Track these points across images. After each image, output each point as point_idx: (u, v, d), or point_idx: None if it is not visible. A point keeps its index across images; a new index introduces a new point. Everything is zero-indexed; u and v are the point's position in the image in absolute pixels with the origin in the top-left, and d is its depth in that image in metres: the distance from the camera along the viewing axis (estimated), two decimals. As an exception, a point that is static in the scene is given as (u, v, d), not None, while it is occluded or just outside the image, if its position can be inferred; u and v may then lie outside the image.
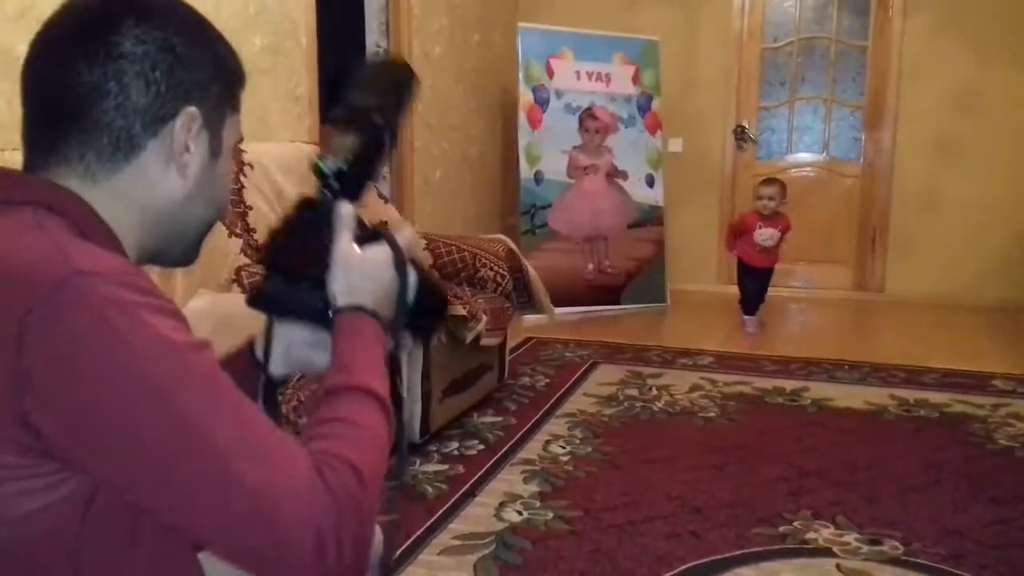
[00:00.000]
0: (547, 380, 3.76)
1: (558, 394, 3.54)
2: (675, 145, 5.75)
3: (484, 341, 3.11)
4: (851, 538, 2.37)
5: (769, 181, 4.72)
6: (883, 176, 5.61)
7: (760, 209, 4.66)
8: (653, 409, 3.41)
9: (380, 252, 0.98)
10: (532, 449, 2.96)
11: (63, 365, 0.70)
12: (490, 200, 5.62)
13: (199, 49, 0.87)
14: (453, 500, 2.57)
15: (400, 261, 0.98)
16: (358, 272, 0.95)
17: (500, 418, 3.26)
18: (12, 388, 0.70)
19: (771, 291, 4.88)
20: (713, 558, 2.25)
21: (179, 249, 0.93)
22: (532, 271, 3.56)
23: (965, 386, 3.73)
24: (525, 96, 5.15)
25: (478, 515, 2.45)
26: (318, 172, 0.98)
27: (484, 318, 3.09)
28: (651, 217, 5.37)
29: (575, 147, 5.25)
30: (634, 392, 3.62)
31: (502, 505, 2.51)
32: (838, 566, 2.23)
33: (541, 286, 3.58)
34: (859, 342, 4.56)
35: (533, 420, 3.22)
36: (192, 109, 0.86)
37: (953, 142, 5.41)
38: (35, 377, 0.70)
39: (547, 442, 3.02)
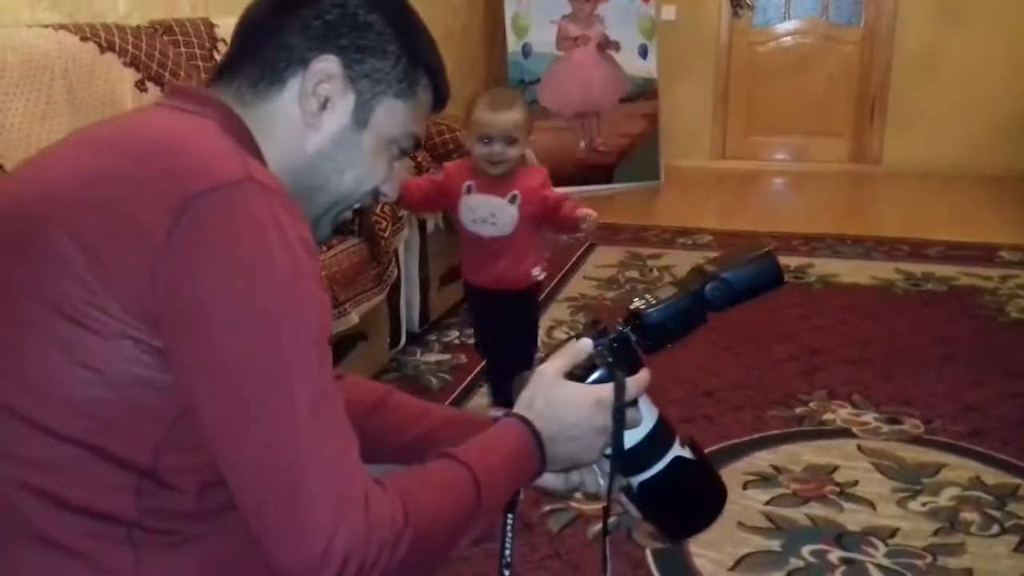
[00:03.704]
0: (545, 263, 3.63)
1: (557, 278, 3.42)
2: (668, 13, 5.45)
3: (481, 225, 2.98)
4: (870, 418, 2.32)
5: (493, 104, 2.06)
6: (883, 42, 5.39)
7: (483, 168, 2.10)
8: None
9: (598, 393, 0.93)
10: (535, 335, 2.86)
11: (205, 253, 0.71)
12: (475, 77, 5.36)
13: (381, 20, 0.89)
14: (458, 391, 2.49)
15: (620, 410, 0.92)
16: (558, 401, 0.93)
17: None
18: (158, 252, 0.71)
19: (761, 165, 4.68)
20: (730, 442, 2.19)
21: (304, 212, 0.86)
22: (528, 149, 3.38)
23: (971, 258, 3.65)
24: (510, -38, 4.83)
25: (484, 406, 2.37)
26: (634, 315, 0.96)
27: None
28: (644, 90, 5.15)
29: (564, 16, 4.96)
30: (635, 274, 3.51)
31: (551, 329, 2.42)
32: (859, 447, 2.18)
33: (537, 163, 3.41)
34: (860, 216, 4.45)
35: (534, 305, 3.11)
36: (333, 59, 0.86)
37: (956, 5, 5.17)
38: (177, 253, 0.71)
39: (550, 328, 2.92)
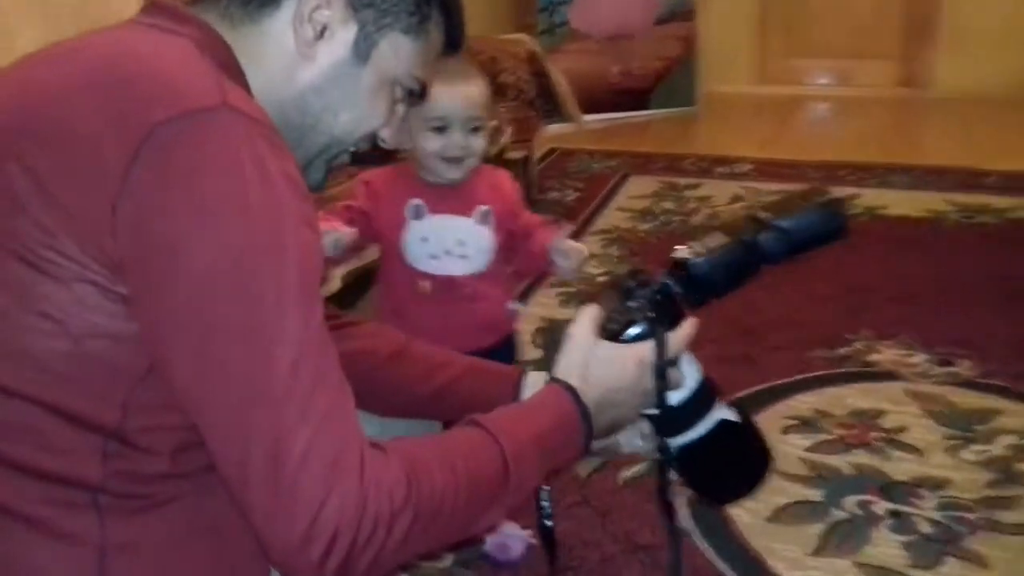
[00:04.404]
0: (577, 194, 3.50)
1: (589, 209, 3.29)
2: (707, -73, 5.16)
3: (509, 154, 2.85)
4: (919, 359, 2.19)
5: (444, 75, 1.34)
6: (938, -44, 5.07)
7: (434, 172, 1.47)
8: (692, 223, 3.16)
9: (639, 352, 0.85)
10: (566, 270, 2.76)
11: (170, 189, 0.64)
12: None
13: None
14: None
15: (662, 368, 0.85)
16: (598, 364, 0.85)
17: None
18: (117, 185, 0.64)
19: (803, 90, 4.45)
20: (770, 384, 2.09)
21: (293, 152, 0.78)
22: (557, 74, 3.23)
23: (1029, 189, 3.45)
24: None
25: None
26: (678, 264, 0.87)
27: (507, 130, 2.82)
28: (681, 10, 4.90)
29: (597, -68, 4.71)
30: (670, 205, 3.36)
31: (538, 331, 2.32)
32: (907, 390, 2.06)
33: (568, 90, 3.27)
34: (908, 144, 4.24)
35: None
36: None
37: (1020, -87, 4.82)
38: (139, 188, 0.64)
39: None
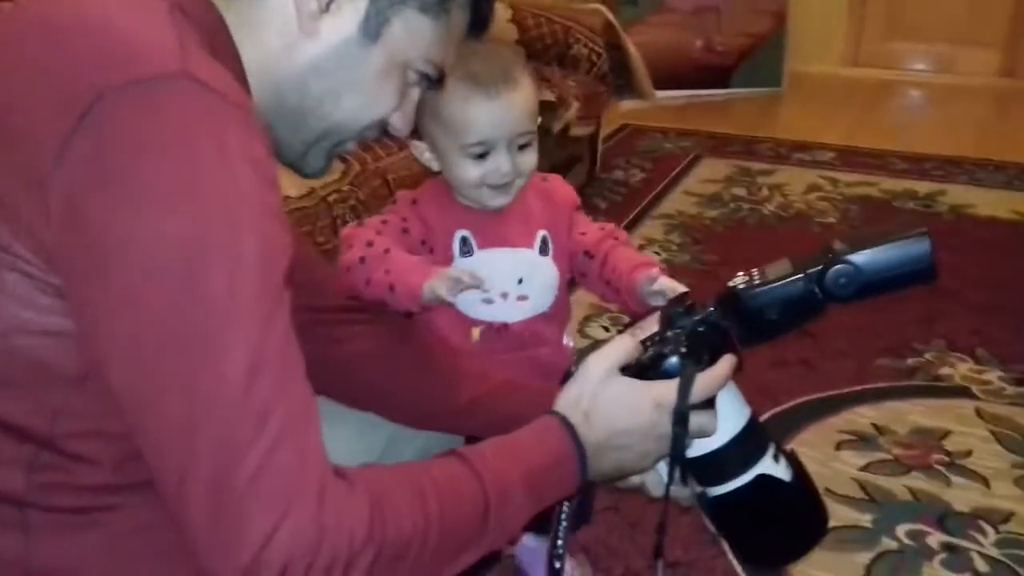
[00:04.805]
0: (643, 175, 3.37)
1: (655, 191, 3.17)
2: None
3: (574, 131, 2.75)
4: (993, 376, 2.04)
5: (486, 82, 1.06)
6: (1057, -63, 4.72)
7: (478, 200, 1.14)
8: (763, 212, 3.02)
9: (658, 392, 0.76)
10: (623, 255, 2.66)
11: (112, 168, 0.56)
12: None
13: None
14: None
15: (682, 412, 0.75)
16: (607, 401, 0.77)
17: (589, 217, 2.92)
18: (52, 159, 0.56)
19: (898, 75, 4.18)
20: (828, 393, 1.97)
21: (289, 137, 0.75)
22: (632, 48, 3.10)
23: None
24: None
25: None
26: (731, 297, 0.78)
27: (575, 104, 2.72)
28: (772, -15, 4.69)
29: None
30: (742, 191, 3.22)
31: (587, 319, 2.24)
32: (977, 411, 1.92)
33: (642, 66, 3.14)
34: (1006, 139, 3.97)
35: (626, 221, 2.87)
36: None
37: None
38: (76, 162, 0.56)
39: (640, 247, 2.70)
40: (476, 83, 1.04)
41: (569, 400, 0.78)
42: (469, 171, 1.08)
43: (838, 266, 0.75)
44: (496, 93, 1.04)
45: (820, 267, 0.76)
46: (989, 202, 3.11)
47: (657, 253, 2.65)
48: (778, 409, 1.87)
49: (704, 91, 4.58)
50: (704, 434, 0.78)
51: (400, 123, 0.79)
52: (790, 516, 0.83)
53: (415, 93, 0.79)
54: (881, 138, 3.92)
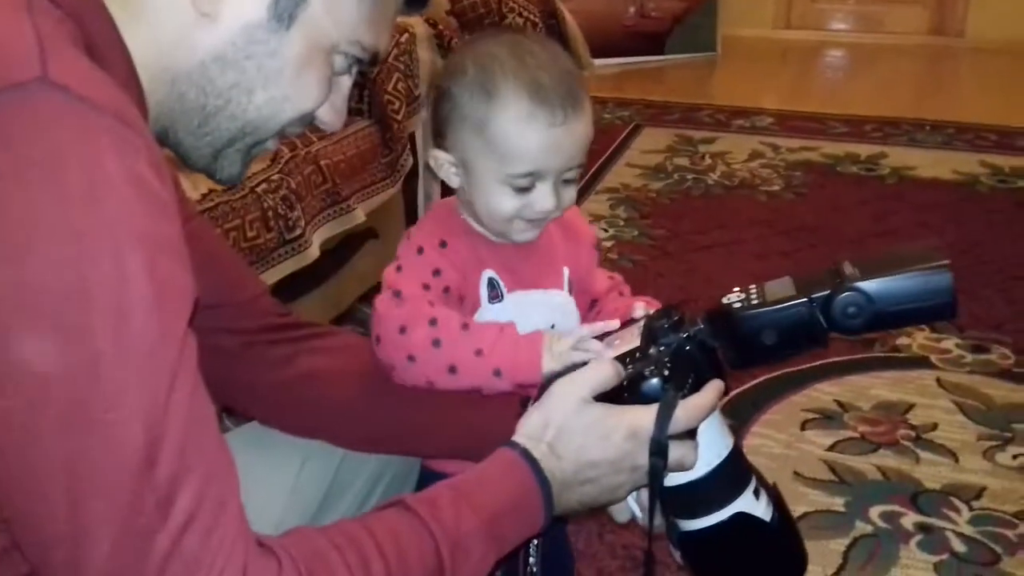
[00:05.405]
0: (584, 147, 3.29)
1: (596, 164, 3.08)
2: None
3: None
4: (951, 344, 2.01)
5: (551, 100, 0.85)
6: None
7: (506, 234, 0.93)
8: (707, 182, 2.96)
9: (634, 420, 0.68)
10: (569, 232, 2.57)
11: None
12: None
13: None
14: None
15: (660, 443, 0.67)
16: (576, 432, 0.69)
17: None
18: None
19: (829, 36, 4.15)
20: (786, 370, 1.90)
21: (195, 140, 0.64)
22: (569, 16, 2.99)
23: (1071, 150, 3.23)
24: None
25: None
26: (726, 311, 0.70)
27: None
28: (703, -52, 4.62)
29: None
30: (684, 161, 3.15)
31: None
32: (939, 380, 1.89)
33: (579, 34, 3.03)
34: (940, 98, 4.00)
35: (570, 196, 2.79)
36: None
37: None
38: None
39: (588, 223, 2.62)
40: (541, 99, 0.83)
41: (533, 428, 0.69)
42: (505, 203, 0.88)
43: (847, 293, 0.67)
44: (562, 118, 0.85)
45: (827, 292, 0.68)
46: (930, 163, 3.10)
47: (605, 230, 2.57)
48: (740, 389, 1.81)
49: (639, 58, 4.50)
50: (682, 468, 0.71)
51: (329, 117, 0.68)
52: (767, 558, 0.76)
53: (346, 81, 0.68)
54: (818, 101, 3.90)
